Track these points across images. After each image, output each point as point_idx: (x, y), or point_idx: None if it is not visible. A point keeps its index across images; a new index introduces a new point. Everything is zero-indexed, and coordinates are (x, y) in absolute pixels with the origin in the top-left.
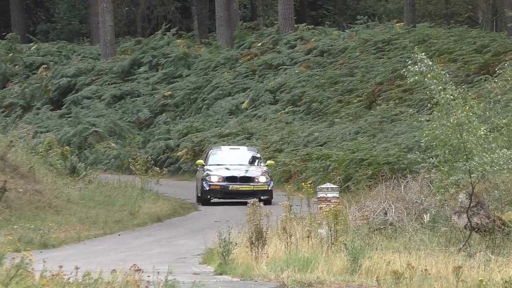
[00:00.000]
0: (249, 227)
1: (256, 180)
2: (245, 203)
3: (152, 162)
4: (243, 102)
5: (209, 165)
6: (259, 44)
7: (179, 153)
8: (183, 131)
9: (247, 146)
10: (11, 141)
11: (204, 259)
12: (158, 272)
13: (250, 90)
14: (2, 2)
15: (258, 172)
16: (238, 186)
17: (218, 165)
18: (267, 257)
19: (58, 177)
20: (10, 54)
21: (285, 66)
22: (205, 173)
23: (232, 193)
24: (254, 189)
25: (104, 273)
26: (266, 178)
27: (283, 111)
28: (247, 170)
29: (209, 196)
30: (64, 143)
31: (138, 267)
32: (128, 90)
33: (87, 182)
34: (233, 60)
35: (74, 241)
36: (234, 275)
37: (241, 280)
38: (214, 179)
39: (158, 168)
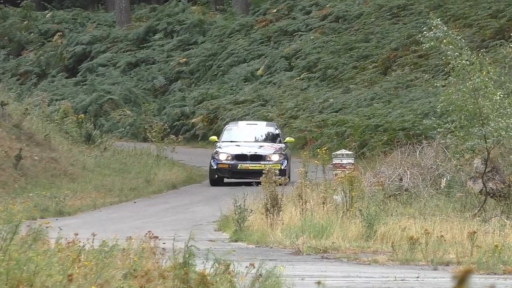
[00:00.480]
0: (264, 194)
1: (268, 159)
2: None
3: (168, 129)
4: (258, 69)
5: (222, 141)
6: (274, 10)
7: (194, 120)
8: (198, 98)
9: (267, 122)
10: (26, 109)
11: (220, 226)
12: (174, 239)
13: (265, 57)
14: None
15: (271, 149)
16: (248, 165)
17: (231, 142)
18: (282, 223)
19: (73, 144)
20: (25, 22)
21: (300, 32)
22: (215, 150)
23: (241, 172)
24: (265, 168)
25: (120, 241)
26: (280, 156)
27: (298, 78)
28: (260, 147)
29: (216, 176)
30: (79, 110)
31: (153, 234)
32: (143, 57)
33: (102, 150)
34: (248, 26)
35: (90, 209)
36: (249, 242)
37: (256, 246)
38: (222, 157)
39: (173, 135)
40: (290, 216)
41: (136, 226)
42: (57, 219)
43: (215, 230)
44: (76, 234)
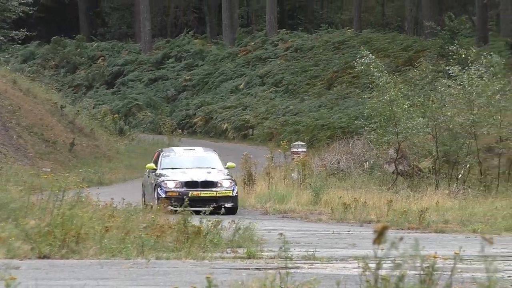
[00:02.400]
0: (243, 172)
1: (219, 185)
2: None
3: (176, 126)
4: (240, 84)
5: (162, 169)
6: (252, 43)
7: (195, 120)
8: (198, 104)
9: (203, 147)
10: (78, 110)
11: None
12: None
13: (245, 76)
14: (73, 14)
15: (220, 175)
16: (199, 192)
17: (172, 168)
18: (255, 193)
19: (110, 136)
20: (78, 49)
21: (270, 59)
22: (160, 178)
23: (192, 200)
24: (217, 195)
25: (140, 204)
26: (230, 182)
27: (268, 91)
28: (208, 173)
29: (164, 205)
30: (114, 112)
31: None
32: (160, 75)
33: (130, 140)
34: (234, 54)
35: (121, 181)
36: None
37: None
38: (170, 184)
39: (180, 130)
40: (261, 187)
41: None
42: (98, 188)
43: None
44: (112, 199)
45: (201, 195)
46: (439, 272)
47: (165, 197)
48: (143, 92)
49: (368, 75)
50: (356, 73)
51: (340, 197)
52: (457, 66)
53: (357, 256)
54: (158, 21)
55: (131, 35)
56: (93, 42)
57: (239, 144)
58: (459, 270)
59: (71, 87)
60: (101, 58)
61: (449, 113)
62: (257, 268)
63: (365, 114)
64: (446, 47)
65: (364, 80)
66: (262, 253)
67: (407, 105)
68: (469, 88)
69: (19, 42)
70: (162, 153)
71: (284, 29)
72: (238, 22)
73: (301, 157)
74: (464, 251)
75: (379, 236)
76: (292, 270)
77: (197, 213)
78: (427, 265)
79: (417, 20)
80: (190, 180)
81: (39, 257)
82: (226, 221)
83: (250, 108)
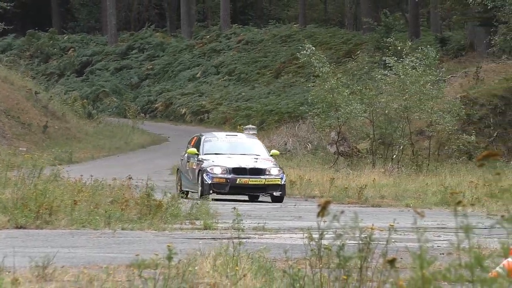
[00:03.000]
0: None
1: (268, 173)
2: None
3: (139, 110)
4: (197, 73)
5: (206, 154)
6: (208, 36)
7: (156, 105)
8: (159, 91)
9: (246, 134)
10: (51, 96)
11: (172, 171)
12: (142, 180)
13: (202, 66)
14: (46, 9)
15: (268, 163)
16: (247, 179)
17: (216, 154)
18: None
19: (80, 119)
20: (51, 41)
21: (224, 51)
22: (204, 163)
23: (240, 187)
24: (265, 183)
25: (107, 180)
26: (278, 170)
27: (222, 79)
28: (256, 160)
29: (211, 192)
30: (84, 98)
31: (129, 176)
32: (124, 64)
33: (98, 123)
34: (191, 46)
35: (90, 159)
36: None
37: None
38: (217, 170)
39: (143, 114)
40: None
41: (118, 171)
42: (69, 166)
43: (169, 174)
44: (81, 175)
45: (249, 182)
46: (376, 242)
47: (211, 183)
48: (109, 80)
49: (311, 66)
50: (301, 63)
51: (287, 174)
52: (393, 57)
53: (303, 227)
54: (122, 16)
55: (98, 28)
56: (64, 35)
57: (196, 127)
58: (393, 240)
59: (44, 75)
60: (71, 49)
61: (383, 100)
62: (212, 238)
63: (309, 101)
64: (382, 41)
65: (308, 70)
66: (217, 225)
67: (346, 92)
68: (403, 77)
69: None
70: (203, 138)
71: (236, 24)
72: (195, 17)
73: None
74: (398, 223)
75: (322, 210)
76: (244, 240)
77: (244, 200)
78: (365, 235)
79: (356, 17)
80: (238, 166)
81: (16, 227)
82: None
83: (206, 95)
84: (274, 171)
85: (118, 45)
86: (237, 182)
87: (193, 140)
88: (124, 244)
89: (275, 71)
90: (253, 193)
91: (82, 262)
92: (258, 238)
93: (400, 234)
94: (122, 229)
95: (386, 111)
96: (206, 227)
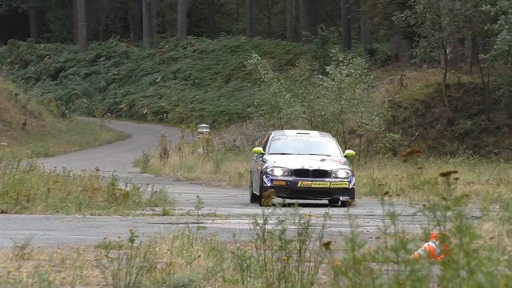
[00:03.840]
0: (159, 147)
1: (334, 175)
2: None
3: (106, 110)
4: (157, 78)
5: (270, 154)
6: (167, 46)
7: (121, 106)
8: (124, 94)
9: (320, 132)
10: (29, 97)
11: (135, 164)
12: (109, 171)
13: (161, 72)
14: (24, 21)
15: (336, 164)
16: (310, 182)
17: (282, 154)
18: (169, 164)
19: (54, 118)
20: (29, 50)
21: (181, 59)
22: (266, 164)
23: (301, 191)
24: (330, 186)
25: (78, 171)
26: (347, 172)
27: (179, 83)
28: (322, 161)
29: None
30: (58, 99)
31: (97, 168)
32: (94, 70)
33: (70, 121)
34: (152, 55)
35: (63, 153)
36: (151, 173)
37: (155, 176)
38: (278, 172)
39: (109, 114)
40: (174, 159)
41: (88, 164)
42: (44, 159)
43: (132, 167)
44: (55, 167)
45: (312, 185)
46: (313, 227)
47: (271, 186)
48: (80, 84)
49: (257, 73)
50: (248, 71)
51: (236, 168)
52: (332, 65)
53: (250, 214)
54: (92, 28)
55: (71, 38)
56: (41, 44)
57: (157, 125)
58: (328, 226)
59: (23, 79)
60: (47, 56)
61: (322, 103)
62: (170, 223)
63: (255, 103)
64: (319, 51)
65: (254, 77)
66: (174, 211)
67: (288, 96)
68: (339, 84)
69: None
70: (271, 136)
71: (192, 36)
72: (156, 29)
73: (205, 136)
74: (333, 211)
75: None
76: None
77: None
78: (304, 221)
79: (296, 30)
80: (301, 168)
81: None
82: (146, 185)
83: (165, 97)
84: (342, 173)
85: (88, 53)
86: (298, 185)
87: (265, 139)
88: (93, 228)
89: (226, 77)
90: (316, 198)
91: (56, 243)
92: (210, 223)
93: (334, 221)
94: (91, 214)
95: (323, 113)
96: (165, 213)
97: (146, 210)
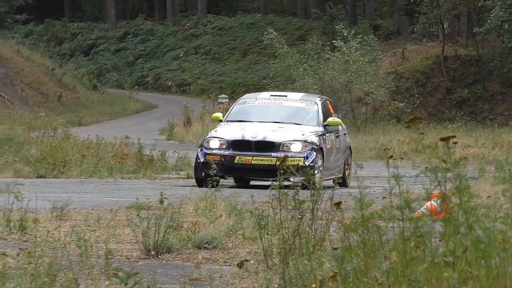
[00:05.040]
0: (183, 116)
1: (285, 149)
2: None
3: (134, 83)
4: (180, 54)
5: (227, 121)
6: (188, 24)
7: (147, 79)
8: (150, 68)
9: (305, 93)
10: (64, 72)
11: (161, 132)
12: (137, 139)
13: (184, 48)
14: (59, 3)
15: (295, 134)
16: (250, 158)
17: (240, 121)
18: (192, 131)
19: (87, 90)
20: (63, 28)
21: (201, 35)
22: (208, 135)
23: (239, 168)
24: (277, 163)
25: (109, 139)
26: (304, 145)
27: (200, 58)
28: (274, 131)
29: (203, 174)
30: (90, 73)
31: (127, 136)
32: (122, 46)
33: (101, 93)
34: (175, 32)
35: (95, 123)
36: (175, 140)
37: (179, 142)
38: (213, 144)
39: (137, 86)
40: (196, 127)
41: (118, 132)
42: (79, 128)
43: (158, 134)
44: (89, 135)
45: (253, 162)
46: (323, 189)
47: (203, 162)
48: (110, 59)
49: (273, 47)
50: (264, 45)
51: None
52: (340, 40)
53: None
54: (120, 7)
55: (101, 17)
56: (74, 23)
57: (180, 96)
58: (338, 187)
59: (58, 55)
60: (80, 34)
61: (331, 75)
62: (194, 186)
63: (270, 75)
64: (327, 27)
65: (269, 51)
66: None
67: (302, 68)
68: (347, 57)
69: (21, 23)
70: (239, 100)
71: (211, 14)
72: (178, 9)
73: (225, 106)
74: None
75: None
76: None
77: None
78: (316, 183)
79: (306, 8)
80: (241, 138)
81: (37, 177)
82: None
83: (187, 71)
84: (296, 146)
85: (117, 31)
86: (236, 161)
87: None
88: (124, 190)
89: (242, 51)
90: (258, 177)
91: (91, 205)
92: (230, 186)
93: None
94: (122, 178)
95: (332, 83)
96: (189, 177)
97: (172, 174)
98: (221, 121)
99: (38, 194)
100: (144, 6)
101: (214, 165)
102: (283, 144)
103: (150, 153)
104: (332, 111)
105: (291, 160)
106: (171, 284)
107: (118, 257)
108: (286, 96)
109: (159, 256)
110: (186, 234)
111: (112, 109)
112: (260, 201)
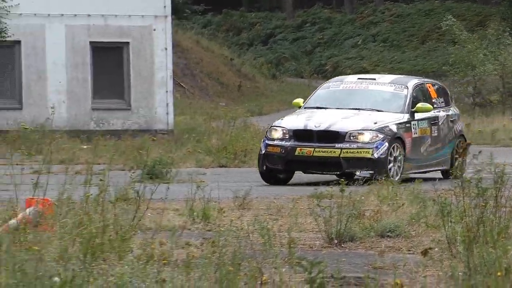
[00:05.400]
0: None
1: (352, 139)
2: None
3: (313, 72)
4: (358, 41)
5: (306, 108)
6: (366, 11)
7: (326, 67)
8: (328, 56)
9: (397, 76)
10: (243, 62)
11: None
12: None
13: (362, 35)
14: None
15: (366, 121)
16: (312, 149)
17: (318, 108)
18: None
19: (266, 79)
20: (241, 18)
21: (379, 23)
22: (273, 123)
23: (300, 161)
24: (341, 155)
25: None
26: (373, 135)
27: (378, 45)
28: (346, 118)
29: (265, 167)
30: (268, 62)
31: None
32: (300, 35)
33: (280, 82)
34: (353, 20)
35: (275, 112)
36: None
37: None
38: (275, 134)
39: (315, 75)
40: None
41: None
42: (259, 117)
43: None
44: (268, 124)
45: (315, 154)
46: (507, 176)
47: (264, 154)
48: (288, 48)
49: (452, 33)
50: (442, 32)
51: None
52: None
53: None
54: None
55: (278, 7)
56: (251, 13)
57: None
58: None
59: (237, 45)
60: (258, 24)
61: None
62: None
63: (450, 62)
64: (507, 13)
65: (448, 37)
66: None
67: (481, 55)
68: None
69: (200, 13)
70: (324, 84)
71: (388, 1)
72: None
73: None
74: None
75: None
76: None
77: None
78: (499, 170)
79: None
80: (303, 128)
81: (219, 166)
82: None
83: (366, 58)
84: (365, 136)
85: (294, 20)
86: (296, 153)
87: None
88: (305, 179)
89: (421, 38)
90: (321, 171)
91: (272, 194)
92: (411, 174)
93: None
94: None
95: None
96: None
97: None
98: (300, 107)
99: (220, 183)
100: None
101: (276, 158)
102: (350, 133)
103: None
104: (434, 95)
105: (358, 152)
106: (354, 273)
107: (301, 245)
108: (374, 79)
109: (342, 245)
110: (368, 222)
111: (291, 98)
112: (443, 189)
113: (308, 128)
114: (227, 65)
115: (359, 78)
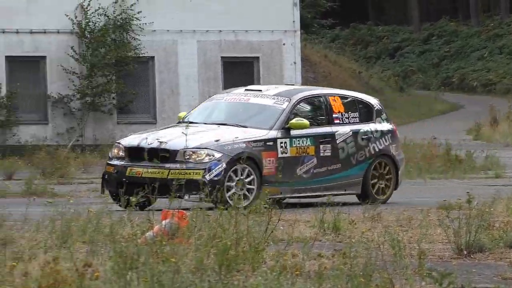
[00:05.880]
0: (489, 116)
1: (186, 157)
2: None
3: (440, 84)
4: (484, 54)
5: (181, 122)
6: (492, 24)
7: (453, 79)
8: (455, 68)
9: (290, 87)
10: (371, 75)
11: (467, 132)
12: (444, 139)
13: (488, 48)
14: (363, 7)
15: (206, 139)
16: (142, 170)
17: (191, 122)
18: (499, 131)
19: (393, 92)
20: (369, 32)
21: (505, 35)
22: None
23: (130, 183)
24: (169, 176)
25: (417, 139)
26: (209, 155)
27: (505, 57)
28: (189, 135)
29: (103, 190)
30: (396, 75)
31: (434, 136)
32: (427, 48)
33: (407, 95)
34: (479, 32)
35: (402, 124)
36: (482, 140)
37: (486, 142)
38: (113, 152)
39: (443, 87)
40: (503, 127)
41: (425, 133)
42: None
43: (465, 135)
44: None
45: (144, 174)
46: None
47: (103, 174)
48: (415, 61)
49: None
50: None
51: None
52: None
53: None
54: (424, 9)
55: (405, 20)
56: (379, 26)
57: (484, 96)
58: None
59: (364, 58)
60: (385, 37)
61: None
62: (503, 185)
63: None
64: None
65: None
66: (506, 174)
67: None
68: None
69: (327, 28)
70: (213, 95)
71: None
72: (481, 9)
73: None
74: None
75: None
76: None
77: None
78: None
79: None
80: (135, 145)
81: None
82: None
83: (492, 70)
84: (197, 156)
85: (421, 33)
86: (127, 173)
87: None
88: (433, 190)
89: None
90: (153, 195)
91: (402, 205)
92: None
93: None
94: (431, 178)
95: None
96: (497, 176)
97: (480, 174)
98: (180, 121)
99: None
100: (448, 7)
101: (110, 178)
102: (183, 152)
103: (457, 153)
104: (338, 109)
105: (187, 173)
106: (484, 284)
107: (430, 257)
108: (260, 90)
109: (471, 256)
110: (497, 233)
111: (418, 110)
112: None
113: (141, 145)
114: (354, 78)
115: (246, 90)
